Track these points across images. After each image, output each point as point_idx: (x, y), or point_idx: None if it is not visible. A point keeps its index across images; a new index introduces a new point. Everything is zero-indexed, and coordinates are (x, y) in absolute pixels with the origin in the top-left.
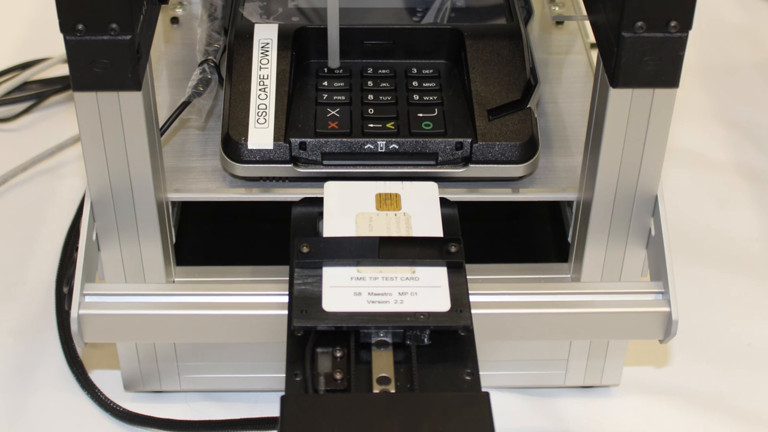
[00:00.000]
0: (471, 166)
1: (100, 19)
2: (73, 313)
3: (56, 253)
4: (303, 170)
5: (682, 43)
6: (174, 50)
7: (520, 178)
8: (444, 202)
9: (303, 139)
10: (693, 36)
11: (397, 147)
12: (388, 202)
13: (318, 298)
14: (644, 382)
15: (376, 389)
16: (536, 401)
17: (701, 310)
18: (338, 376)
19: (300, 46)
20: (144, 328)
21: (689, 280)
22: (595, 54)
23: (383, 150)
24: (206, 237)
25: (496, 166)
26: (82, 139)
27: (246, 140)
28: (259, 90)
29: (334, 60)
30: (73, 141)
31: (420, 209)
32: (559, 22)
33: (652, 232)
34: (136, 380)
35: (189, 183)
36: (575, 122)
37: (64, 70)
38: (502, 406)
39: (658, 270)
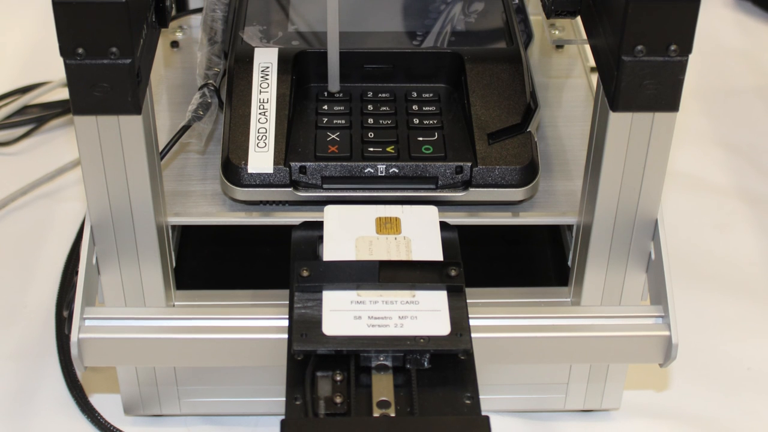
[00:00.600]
0: (471, 189)
1: (100, 43)
2: (73, 336)
3: (56, 277)
4: (303, 194)
5: (682, 67)
6: (174, 74)
7: (520, 201)
8: (444, 226)
9: (303, 163)
10: (693, 60)
11: (397, 171)
12: (388, 225)
13: (318, 322)
14: (644, 406)
15: (376, 413)
16: (536, 425)
17: (701, 334)
18: (338, 399)
19: (300, 70)
20: (144, 352)
21: (689, 303)
22: (595, 78)
23: (383, 174)
24: (206, 261)
25: (496, 189)
26: (82, 162)
27: (246, 164)
28: (259, 114)
29: (334, 84)
30: (73, 165)
31: (420, 233)
32: (559, 46)
33: (652, 256)
34: (136, 404)
35: (189, 207)
36: (575, 146)
37: (64, 93)
38: (502, 430)
39: (658, 294)
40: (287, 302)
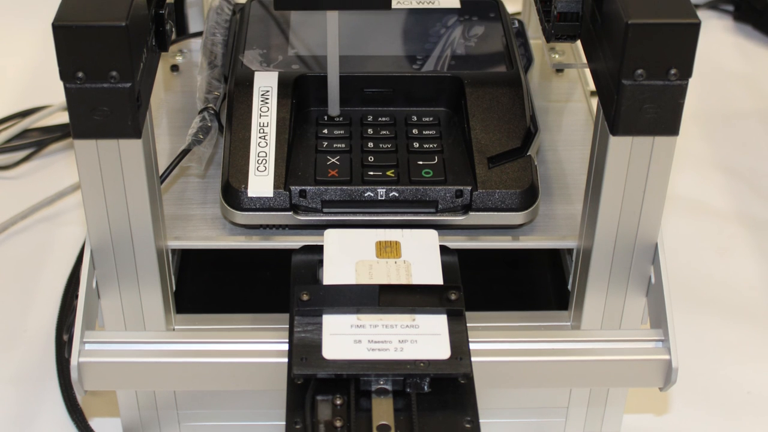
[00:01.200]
0: (471, 213)
1: (100, 67)
2: (73, 360)
3: (56, 301)
4: (303, 218)
5: (682, 91)
6: (174, 98)
7: (520, 225)
8: (444, 250)
9: (303, 187)
10: (693, 84)
11: (397, 195)
12: (388, 249)
13: (318, 346)
14: (644, 430)
15: None
16: None
17: (701, 358)
18: (338, 423)
19: (300, 94)
20: (144, 376)
21: (689, 327)
22: (595, 102)
23: (383, 198)
24: (206, 285)
25: (496, 213)
26: (82, 186)
27: (246, 188)
28: (259, 138)
29: (334, 108)
30: (73, 189)
31: (420, 257)
32: (559, 70)
33: (652, 280)
34: (136, 428)
35: (189, 231)
36: (575, 170)
37: (64, 117)
38: None
39: (658, 318)
40: (287, 326)
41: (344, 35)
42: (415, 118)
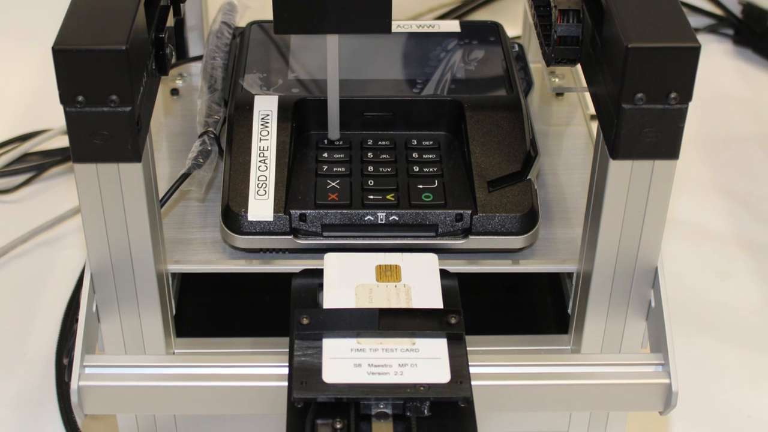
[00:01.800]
0: (471, 237)
1: (100, 91)
2: (73, 384)
3: (56, 325)
4: (303, 242)
5: (682, 115)
6: (174, 122)
7: (520, 249)
8: (444, 274)
9: (303, 211)
10: (693, 107)
11: (397, 219)
12: (388, 273)
13: (318, 370)
14: None
15: None
16: None
17: (701, 382)
18: None
19: (300, 118)
20: (144, 400)
21: (689, 351)
22: (595, 125)
23: (383, 222)
24: (206, 308)
25: (496, 237)
26: (82, 210)
27: (246, 212)
28: (259, 161)
29: (334, 132)
30: (73, 212)
31: (420, 281)
32: (559, 94)
33: (652, 304)
34: None
35: (189, 254)
36: (575, 194)
37: (64, 141)
38: None
39: (658, 341)
40: (287, 350)
41: (344, 59)
42: (415, 142)
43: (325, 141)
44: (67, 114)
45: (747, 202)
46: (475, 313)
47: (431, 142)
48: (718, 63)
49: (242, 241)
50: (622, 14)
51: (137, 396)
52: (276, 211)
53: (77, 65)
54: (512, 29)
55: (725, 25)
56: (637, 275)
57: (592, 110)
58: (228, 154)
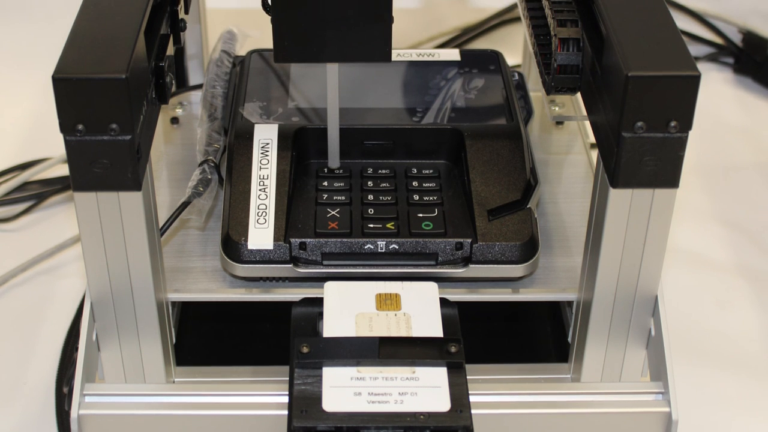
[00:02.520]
0: (471, 266)
1: (100, 120)
2: (74, 413)
3: (56, 353)
4: (303, 270)
5: (682, 144)
6: (174, 150)
7: (520, 278)
8: (444, 302)
9: (303, 240)
10: (693, 136)
11: (397, 247)
12: (388, 302)
13: (318, 398)
14: None
15: None
16: None
17: (701, 410)
18: None
19: (300, 146)
20: (144, 429)
21: (689, 380)
22: (595, 154)
23: (383, 250)
24: (206, 337)
25: (496, 266)
26: (82, 239)
27: (246, 240)
28: (259, 190)
29: (334, 160)
30: (73, 241)
31: (420, 309)
32: (559, 123)
33: (652, 333)
34: None
35: (189, 283)
36: (575, 222)
37: (64, 170)
38: None
39: (658, 370)
40: (287, 378)
41: (344, 87)
42: (415, 171)
43: (325, 169)
44: (67, 142)
45: (747, 231)
46: (475, 342)
47: (431, 171)
48: (719, 91)
49: (242, 269)
50: (622, 43)
51: (137, 425)
52: (276, 239)
53: (77, 94)
54: (512, 58)
55: (725, 53)
56: (637, 304)
57: (592, 139)
58: (228, 183)
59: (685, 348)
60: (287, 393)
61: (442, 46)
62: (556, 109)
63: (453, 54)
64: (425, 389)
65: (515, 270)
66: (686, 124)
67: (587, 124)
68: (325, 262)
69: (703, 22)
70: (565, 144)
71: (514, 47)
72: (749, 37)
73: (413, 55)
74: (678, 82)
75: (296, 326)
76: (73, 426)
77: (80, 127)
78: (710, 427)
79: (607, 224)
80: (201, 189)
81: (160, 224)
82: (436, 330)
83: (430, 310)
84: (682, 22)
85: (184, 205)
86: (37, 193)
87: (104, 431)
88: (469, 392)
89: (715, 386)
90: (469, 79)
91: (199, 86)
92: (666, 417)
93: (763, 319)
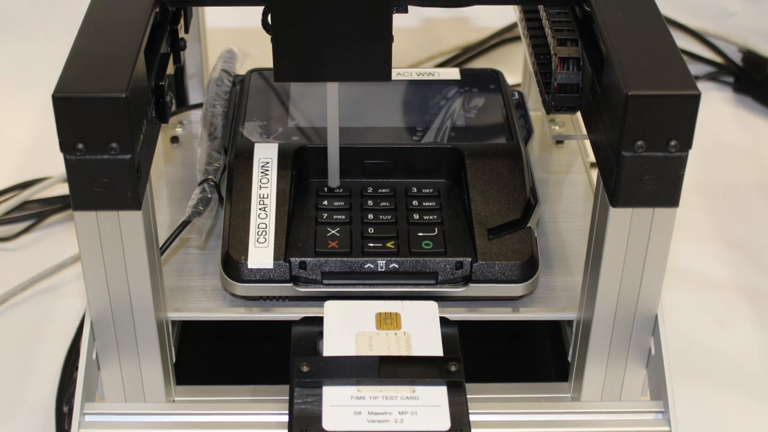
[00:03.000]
0: (471, 285)
1: (100, 139)
2: None
3: (56, 373)
4: (303, 289)
5: (682, 163)
6: (174, 169)
7: (520, 297)
8: (444, 322)
9: (303, 259)
10: (693, 155)
11: (397, 266)
12: (388, 321)
13: (318, 417)
14: None
15: None
16: None
17: (701, 430)
18: None
19: (300, 166)
20: None
21: (689, 399)
22: (595, 173)
23: (383, 269)
24: (206, 356)
25: (496, 285)
26: (82, 258)
27: (246, 259)
28: (259, 209)
29: (334, 179)
30: (73, 260)
31: (420, 328)
32: (559, 142)
33: (652, 352)
34: None
35: (189, 302)
36: (575, 241)
37: (64, 189)
38: None
39: (658, 389)
40: (287, 397)
41: (344, 106)
42: (415, 190)
43: (325, 189)
44: (67, 162)
45: (747, 250)
46: (475, 361)
47: (431, 190)
48: (719, 111)
49: (242, 288)
50: (622, 62)
51: None
52: (276, 258)
53: (77, 113)
54: (512, 77)
55: (725, 72)
56: (637, 323)
57: (592, 158)
58: (228, 202)
59: (685, 367)
60: (287, 412)
61: (442, 65)
62: (556, 128)
63: (453, 73)
64: (425, 408)
65: (515, 289)
66: (686, 143)
67: (587, 143)
68: (325, 281)
69: (703, 42)
70: (565, 163)
71: (514, 66)
72: (749, 56)
73: (413, 74)
74: (678, 102)
75: (296, 345)
76: None
77: (80, 146)
78: None
79: (607, 243)
80: (201, 208)
81: (160, 243)
82: (436, 349)
83: (430, 329)
84: (682, 42)
85: (184, 224)
86: (37, 212)
87: None
88: (470, 411)
89: (715, 405)
90: (469, 98)
91: (199, 105)
92: None
93: (763, 339)
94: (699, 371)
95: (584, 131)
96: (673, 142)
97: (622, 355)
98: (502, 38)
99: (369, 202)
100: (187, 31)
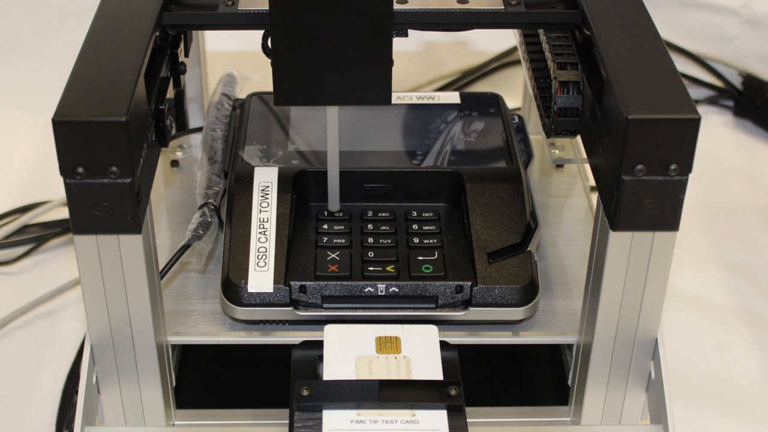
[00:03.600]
0: (471, 309)
1: (100, 163)
2: None
3: (56, 396)
4: (303, 313)
5: (682, 187)
6: (174, 193)
7: (520, 321)
8: (444, 345)
9: (303, 283)
10: (693, 179)
11: (397, 290)
12: (388, 345)
13: None
14: None
15: None
16: None
17: None
18: None
19: (300, 189)
20: None
21: (689, 423)
22: (595, 197)
23: (383, 293)
24: (206, 380)
25: (496, 309)
26: (82, 282)
27: (246, 283)
28: (259, 233)
29: (334, 203)
30: (73, 284)
31: (420, 352)
32: (559, 165)
33: (652, 375)
34: None
35: (189, 326)
36: (575, 265)
37: (64, 213)
38: None
39: (658, 413)
40: (287, 422)
41: (344, 130)
42: (415, 214)
43: (325, 212)
44: (67, 185)
45: (747, 274)
46: (475, 385)
47: (431, 214)
48: (719, 134)
49: (242, 312)
50: (622, 86)
51: None
52: (276, 282)
53: (77, 137)
54: (512, 101)
55: (725, 96)
56: (637, 347)
57: (592, 182)
58: (228, 226)
59: (686, 391)
60: None
61: (442, 89)
62: (556, 152)
63: (453, 97)
64: None
65: (515, 313)
66: (686, 167)
67: (587, 166)
68: (325, 305)
69: (703, 65)
70: (565, 187)
71: (514, 90)
72: (749, 80)
73: (413, 98)
74: (678, 125)
75: (296, 369)
76: None
77: (80, 170)
78: None
79: (607, 267)
80: (201, 232)
81: (161, 267)
82: (436, 373)
83: (430, 353)
84: (682, 65)
85: (184, 248)
86: (37, 236)
87: None
88: None
89: (716, 429)
90: (469, 122)
91: (199, 129)
92: None
93: (764, 362)
94: (699, 395)
95: (584, 155)
96: (673, 166)
97: (622, 378)
98: (502, 62)
99: (369, 225)
100: (187, 55)
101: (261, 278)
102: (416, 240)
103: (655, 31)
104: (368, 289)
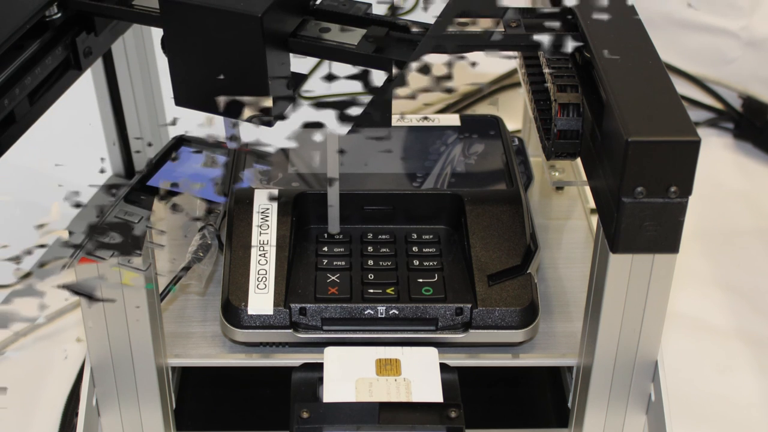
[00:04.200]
0: (471, 331)
1: None
2: None
3: (56, 419)
4: (303, 336)
5: (682, 209)
6: (174, 215)
7: (520, 343)
8: (444, 368)
9: (303, 305)
10: (693, 201)
11: (397, 312)
12: (388, 367)
13: None
14: None
15: None
16: None
17: None
18: None
19: (300, 212)
20: None
21: None
22: (595, 219)
23: (383, 315)
24: (206, 402)
25: (496, 331)
26: (82, 304)
27: (246, 306)
28: (259, 255)
29: (334, 226)
30: (73, 306)
31: (420, 375)
32: (559, 188)
33: (652, 398)
34: None
35: (189, 348)
36: (575, 287)
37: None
38: None
39: None
40: None
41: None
42: (415, 236)
43: (325, 235)
44: None
45: (747, 296)
46: (475, 407)
47: (431, 236)
48: (719, 157)
49: (242, 335)
50: (622, 108)
51: None
52: (276, 304)
53: None
54: (512, 123)
55: (725, 119)
56: (637, 369)
57: (592, 204)
58: (228, 248)
59: (686, 413)
60: None
61: (442, 111)
62: (556, 174)
63: (453, 119)
64: None
65: (515, 335)
66: (686, 189)
67: (587, 189)
68: (325, 327)
69: (703, 88)
70: (565, 209)
71: (514, 112)
72: (749, 102)
73: (413, 120)
74: (678, 148)
75: (296, 391)
76: None
77: None
78: None
79: (607, 289)
80: (201, 254)
81: (161, 290)
82: (436, 395)
83: (430, 375)
84: (682, 88)
85: (184, 270)
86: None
87: None
88: None
89: None
90: (469, 144)
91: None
92: None
93: (764, 384)
94: (699, 417)
95: (584, 177)
96: (673, 188)
97: (622, 401)
98: (501, 84)
99: (369, 248)
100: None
101: (261, 300)
102: (416, 262)
103: (655, 53)
104: (368, 311)
